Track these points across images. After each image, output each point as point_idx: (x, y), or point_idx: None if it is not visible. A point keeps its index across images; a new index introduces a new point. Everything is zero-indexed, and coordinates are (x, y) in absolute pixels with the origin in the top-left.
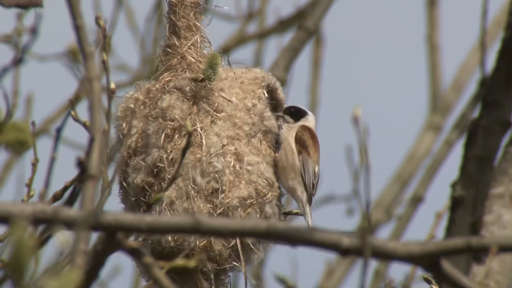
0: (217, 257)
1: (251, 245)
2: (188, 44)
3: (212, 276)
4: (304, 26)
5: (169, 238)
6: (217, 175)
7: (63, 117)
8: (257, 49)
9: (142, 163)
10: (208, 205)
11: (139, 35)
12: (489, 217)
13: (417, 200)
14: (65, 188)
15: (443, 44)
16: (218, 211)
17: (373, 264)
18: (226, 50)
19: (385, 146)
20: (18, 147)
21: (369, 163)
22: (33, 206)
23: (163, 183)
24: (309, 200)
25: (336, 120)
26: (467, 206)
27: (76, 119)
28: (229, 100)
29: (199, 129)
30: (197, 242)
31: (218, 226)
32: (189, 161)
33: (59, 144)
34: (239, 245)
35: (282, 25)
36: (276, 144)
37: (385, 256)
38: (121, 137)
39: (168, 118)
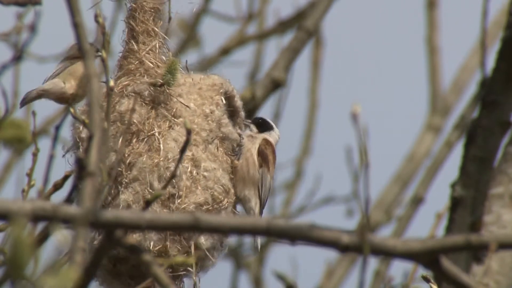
0: (172, 263)
1: (206, 251)
2: (147, 49)
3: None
4: (303, 26)
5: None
6: (174, 180)
7: (62, 115)
8: (257, 50)
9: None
10: (164, 210)
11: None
12: (489, 217)
13: (417, 201)
14: (65, 178)
15: (443, 46)
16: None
17: (373, 264)
18: (226, 51)
19: (385, 147)
20: (17, 144)
21: (369, 161)
22: (33, 203)
23: (120, 187)
24: (260, 213)
25: (336, 121)
26: (466, 206)
27: (75, 116)
28: (187, 106)
29: (157, 134)
30: (152, 247)
31: (218, 223)
32: (147, 165)
33: (58, 141)
34: (193, 251)
35: (282, 26)
36: (236, 151)
37: (385, 253)
38: (77, 140)
39: (126, 122)
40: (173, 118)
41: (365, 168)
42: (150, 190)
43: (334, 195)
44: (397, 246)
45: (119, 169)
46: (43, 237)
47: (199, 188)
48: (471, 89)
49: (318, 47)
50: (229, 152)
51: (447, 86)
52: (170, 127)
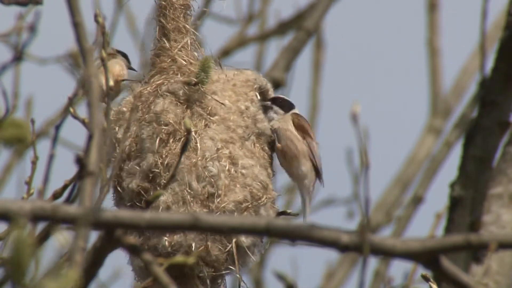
0: (214, 262)
1: (246, 249)
2: (179, 47)
3: (209, 281)
4: (303, 26)
5: (166, 243)
6: (212, 180)
7: (62, 115)
8: (257, 51)
9: (137, 167)
10: (204, 210)
11: (139, 39)
12: (488, 217)
13: (417, 201)
14: (65, 186)
15: (444, 48)
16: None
17: (373, 264)
18: (226, 53)
19: (385, 149)
20: (16, 143)
21: (369, 161)
22: (32, 203)
23: (158, 188)
24: (321, 181)
25: (336, 123)
26: (466, 206)
27: (75, 116)
28: (222, 103)
29: (193, 133)
30: (193, 247)
31: (217, 223)
32: (185, 165)
33: (57, 141)
34: (234, 250)
35: (283, 27)
36: (274, 137)
37: (385, 253)
38: (114, 141)
39: (162, 122)
40: (208, 116)
41: (365, 168)
42: (189, 191)
43: (334, 197)
44: (397, 246)
45: (157, 170)
46: (43, 237)
47: (238, 186)
48: (472, 91)
49: (318, 48)
50: (265, 148)
51: (448, 88)
52: (206, 125)
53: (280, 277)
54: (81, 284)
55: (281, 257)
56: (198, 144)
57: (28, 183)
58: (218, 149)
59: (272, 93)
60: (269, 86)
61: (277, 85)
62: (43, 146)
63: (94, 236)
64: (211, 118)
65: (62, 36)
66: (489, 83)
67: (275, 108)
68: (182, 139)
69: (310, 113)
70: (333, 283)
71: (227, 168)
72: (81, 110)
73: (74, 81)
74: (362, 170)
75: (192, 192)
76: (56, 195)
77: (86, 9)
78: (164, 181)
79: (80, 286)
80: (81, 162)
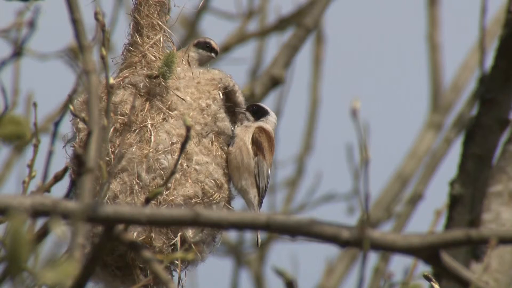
0: (157, 254)
1: (192, 245)
2: (150, 43)
3: (149, 272)
4: (303, 23)
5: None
6: (163, 172)
7: (61, 112)
8: (257, 47)
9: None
10: (152, 201)
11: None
12: (488, 215)
13: (416, 198)
14: (65, 169)
15: (444, 43)
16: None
17: (373, 261)
18: (226, 48)
19: (386, 144)
20: (16, 140)
21: (369, 156)
22: (32, 199)
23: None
24: (260, 204)
25: (336, 119)
26: (465, 204)
27: (75, 113)
28: (182, 99)
29: (149, 126)
30: (135, 237)
31: (218, 219)
32: (136, 156)
33: (56, 137)
34: (178, 243)
35: (283, 23)
36: (230, 142)
37: (385, 248)
38: (75, 130)
39: (119, 112)
40: (167, 110)
41: (365, 163)
42: (138, 181)
43: (335, 192)
44: (397, 241)
45: (108, 159)
46: (43, 232)
47: (189, 181)
48: (472, 87)
49: (319, 44)
50: (224, 148)
51: (448, 84)
52: (164, 119)
53: (280, 273)
54: (80, 280)
55: (281, 253)
56: (153, 137)
57: (30, 166)
58: (172, 143)
59: (240, 95)
60: (236, 87)
61: (276, 82)
62: (43, 142)
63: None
64: (170, 112)
65: (62, 32)
66: (488, 81)
67: (247, 114)
68: (137, 130)
69: (310, 108)
70: (333, 279)
71: (179, 162)
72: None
73: (73, 76)
74: (362, 165)
75: (140, 183)
76: (57, 177)
77: (86, 4)
78: (115, 170)
79: (79, 282)
80: (80, 158)
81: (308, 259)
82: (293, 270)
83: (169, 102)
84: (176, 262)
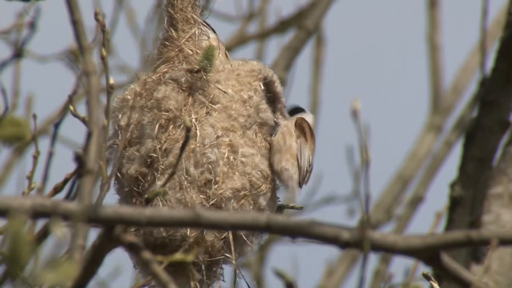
0: (209, 249)
1: (244, 237)
2: (186, 37)
3: (204, 268)
4: (303, 25)
5: (161, 228)
6: (210, 166)
7: (62, 113)
8: (258, 49)
9: (136, 153)
10: (201, 196)
11: (139, 36)
12: (488, 217)
13: (417, 200)
14: (65, 181)
15: (444, 45)
16: (211, 202)
17: (374, 264)
18: (226, 50)
19: (386, 146)
20: (16, 142)
21: (369, 157)
22: (32, 200)
23: (156, 173)
24: (300, 186)
25: (337, 121)
26: (466, 206)
27: (75, 114)
28: (224, 92)
29: (194, 120)
30: (189, 233)
31: (218, 220)
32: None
33: (57, 139)
34: (231, 237)
35: (283, 25)
36: (273, 130)
37: (386, 249)
38: (117, 128)
39: (163, 108)
40: (210, 104)
41: (365, 164)
42: (187, 176)
43: (335, 194)
44: (398, 242)
45: (155, 155)
46: (43, 234)
47: (237, 173)
48: (473, 89)
49: (319, 46)
50: (268, 138)
51: (449, 85)
52: (207, 113)
53: (280, 275)
54: (80, 282)
55: (281, 254)
56: (198, 131)
57: (29, 178)
58: (218, 137)
59: (278, 85)
60: (275, 77)
61: None
62: (43, 144)
63: (94, 234)
64: (213, 106)
65: (62, 33)
66: (489, 82)
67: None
68: (181, 125)
69: (310, 110)
70: (333, 281)
71: (226, 155)
72: (81, 108)
73: (74, 78)
74: (362, 167)
75: (189, 178)
76: (57, 189)
77: (86, 5)
78: (162, 167)
79: (79, 284)
80: (80, 159)
81: (308, 260)
82: (293, 271)
83: (211, 96)
84: (229, 255)
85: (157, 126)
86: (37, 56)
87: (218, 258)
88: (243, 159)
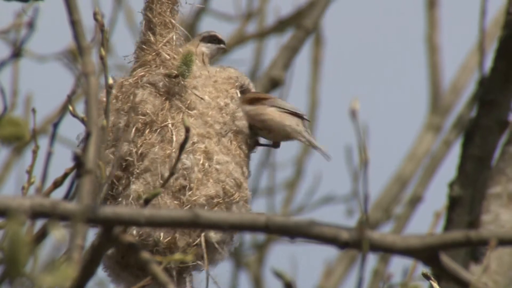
0: (156, 256)
1: (215, 244)
2: (164, 41)
3: (175, 274)
4: (302, 25)
5: (134, 232)
6: (185, 172)
7: (60, 113)
8: (256, 48)
9: (111, 156)
10: (175, 202)
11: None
12: (487, 217)
13: (416, 200)
14: (65, 175)
15: (443, 45)
16: (185, 208)
17: (372, 264)
18: (225, 50)
19: (385, 146)
20: (15, 141)
21: (368, 157)
22: (32, 200)
23: (131, 177)
24: (307, 129)
25: (336, 120)
26: (464, 206)
27: (74, 114)
28: (201, 98)
29: (170, 125)
30: (161, 238)
31: (217, 220)
32: (159, 156)
33: (55, 139)
34: (203, 244)
35: (282, 25)
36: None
37: (384, 249)
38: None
39: (140, 112)
40: (187, 110)
41: (364, 164)
42: (161, 181)
43: (334, 194)
44: (397, 242)
45: (131, 159)
46: (42, 234)
47: (211, 181)
48: (472, 89)
49: (318, 45)
50: (243, 146)
51: (448, 85)
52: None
53: (278, 275)
54: (79, 282)
55: (280, 254)
56: (174, 136)
57: (29, 172)
58: (193, 143)
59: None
60: (251, 86)
61: (275, 84)
62: (42, 144)
63: (92, 234)
64: (190, 111)
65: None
66: (488, 82)
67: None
68: (158, 130)
69: (309, 110)
70: (332, 281)
71: (201, 162)
72: (80, 108)
73: (73, 78)
74: (361, 166)
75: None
76: (56, 184)
77: (85, 5)
78: (137, 171)
79: (78, 284)
80: (79, 159)
81: (307, 261)
82: (292, 272)
83: (188, 101)
84: (200, 262)
85: (133, 129)
86: (36, 56)
87: (189, 264)
88: (217, 166)
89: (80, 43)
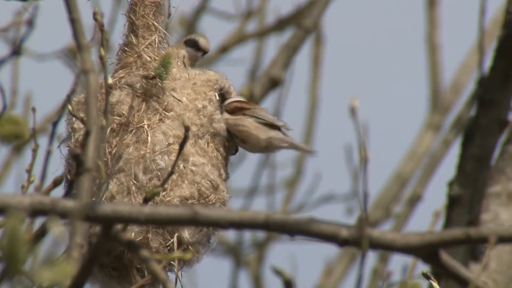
0: (154, 254)
1: (189, 246)
2: (146, 43)
3: (147, 273)
4: (302, 24)
5: None
6: (159, 173)
7: (60, 112)
8: (256, 47)
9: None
10: (149, 202)
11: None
12: (486, 216)
13: (415, 199)
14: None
15: (443, 44)
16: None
17: (372, 263)
18: (225, 49)
19: (385, 145)
20: (14, 140)
21: (368, 155)
22: (31, 197)
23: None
24: (287, 133)
25: (336, 120)
26: (464, 205)
27: (73, 114)
28: (179, 100)
29: (146, 126)
30: (133, 237)
31: (216, 217)
32: (133, 157)
33: (55, 138)
34: (175, 244)
35: (282, 24)
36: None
37: (384, 247)
38: (70, 130)
39: (116, 113)
40: (164, 111)
41: (364, 162)
42: (135, 182)
43: (333, 193)
44: (396, 240)
45: (105, 159)
46: (41, 232)
47: (186, 182)
48: (471, 88)
49: (318, 44)
50: (220, 149)
51: (448, 84)
52: (160, 120)
53: (278, 272)
54: (78, 280)
55: (280, 253)
56: (149, 138)
57: (29, 171)
58: (169, 144)
59: (234, 96)
60: (232, 89)
61: (275, 83)
62: (41, 143)
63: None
64: (167, 113)
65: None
66: (487, 81)
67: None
68: (133, 130)
69: (309, 109)
70: (332, 280)
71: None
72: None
73: (72, 76)
74: (361, 165)
75: (137, 184)
76: (56, 182)
77: (84, 4)
78: (112, 171)
79: (77, 283)
80: (78, 158)
81: (307, 260)
82: (292, 270)
83: (165, 103)
84: (173, 263)
85: (108, 130)
86: (35, 55)
87: (161, 265)
88: (193, 168)
89: (80, 41)
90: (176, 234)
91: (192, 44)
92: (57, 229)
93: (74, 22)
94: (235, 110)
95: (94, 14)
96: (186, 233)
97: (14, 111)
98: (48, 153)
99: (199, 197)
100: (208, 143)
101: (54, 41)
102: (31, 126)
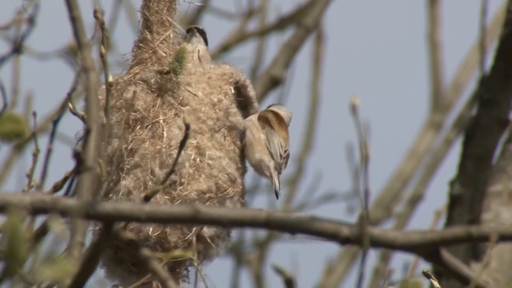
0: (173, 249)
1: (208, 239)
2: (160, 39)
3: (167, 269)
4: (303, 23)
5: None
6: (176, 167)
7: (61, 111)
8: (257, 47)
9: (103, 152)
10: (165, 197)
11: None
12: (487, 215)
13: (416, 198)
14: (65, 179)
15: (444, 42)
16: (176, 203)
17: (373, 261)
18: (226, 48)
19: (386, 144)
20: (14, 138)
21: (369, 153)
22: (32, 196)
23: (120, 173)
24: (279, 171)
25: (337, 118)
26: (465, 204)
27: (74, 112)
28: (194, 94)
29: (161, 121)
30: (151, 233)
31: (217, 216)
32: (149, 152)
33: (55, 136)
34: (194, 239)
35: (283, 23)
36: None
37: (385, 245)
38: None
39: (131, 108)
40: (179, 106)
41: (365, 160)
42: (151, 177)
43: (334, 192)
44: (398, 238)
45: (121, 155)
46: (42, 230)
47: (203, 176)
48: (473, 87)
49: (319, 43)
50: (237, 142)
51: (449, 83)
52: (176, 115)
53: (279, 271)
54: (79, 278)
55: (281, 252)
56: (165, 132)
57: (29, 176)
58: None
59: (251, 90)
60: (247, 82)
61: (276, 82)
62: (42, 142)
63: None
64: (182, 108)
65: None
66: (488, 81)
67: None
68: (149, 126)
69: (310, 108)
70: (333, 279)
71: (192, 157)
72: (80, 106)
73: (73, 75)
74: (362, 162)
75: (154, 178)
76: (56, 187)
77: (85, 2)
78: (128, 166)
79: (78, 281)
80: (79, 156)
81: (308, 258)
82: (293, 269)
83: (180, 98)
84: (193, 258)
85: (123, 125)
86: (36, 53)
87: (181, 259)
88: (210, 161)
89: (80, 39)
90: (194, 228)
91: (188, 31)
92: (58, 227)
93: (74, 20)
94: (261, 118)
95: (95, 12)
96: (205, 227)
97: (15, 110)
98: (49, 152)
99: (216, 191)
100: (224, 137)
101: (54, 39)
102: (32, 129)
